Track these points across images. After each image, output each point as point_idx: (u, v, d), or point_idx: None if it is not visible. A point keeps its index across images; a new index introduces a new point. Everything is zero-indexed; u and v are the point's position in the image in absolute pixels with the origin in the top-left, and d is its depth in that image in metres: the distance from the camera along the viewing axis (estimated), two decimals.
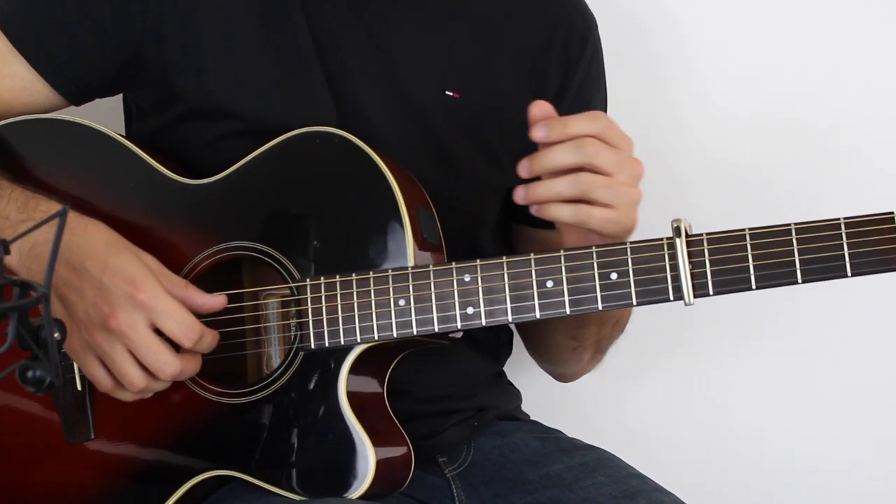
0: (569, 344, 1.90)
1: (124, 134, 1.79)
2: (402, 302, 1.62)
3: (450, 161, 1.80)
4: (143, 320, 1.58)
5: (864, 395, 2.30)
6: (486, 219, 1.86)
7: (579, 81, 1.87)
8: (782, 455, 2.32)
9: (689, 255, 1.56)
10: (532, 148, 1.83)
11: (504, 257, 1.61)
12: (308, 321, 1.64)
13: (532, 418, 1.98)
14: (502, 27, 1.85)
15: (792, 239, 1.54)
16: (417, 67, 1.79)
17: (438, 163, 1.79)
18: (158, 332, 1.59)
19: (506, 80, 1.84)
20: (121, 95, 1.90)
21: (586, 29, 1.90)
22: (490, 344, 1.92)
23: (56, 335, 1.16)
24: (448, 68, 1.81)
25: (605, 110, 1.93)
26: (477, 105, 1.82)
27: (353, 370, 1.64)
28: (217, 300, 1.64)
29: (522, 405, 2.00)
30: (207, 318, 1.66)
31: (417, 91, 1.79)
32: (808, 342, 2.30)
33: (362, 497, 1.62)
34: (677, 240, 1.56)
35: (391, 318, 1.62)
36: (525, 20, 1.85)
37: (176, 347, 1.61)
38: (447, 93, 1.80)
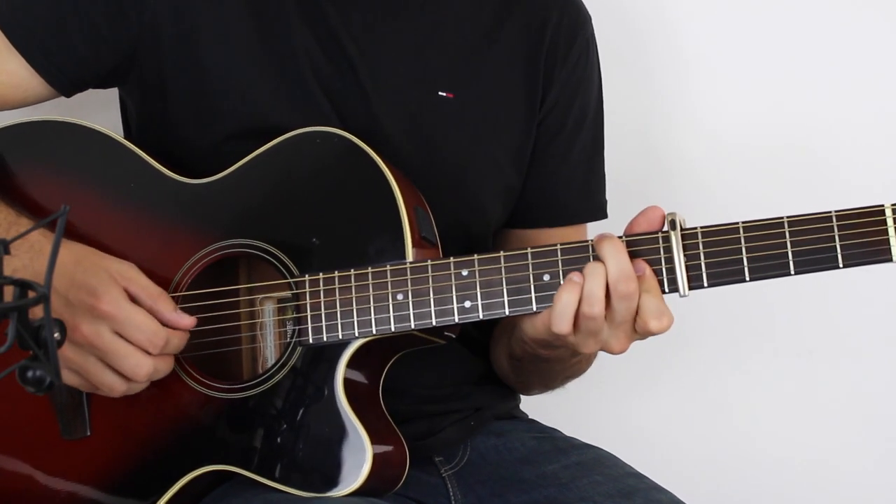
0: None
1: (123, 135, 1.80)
2: (399, 297, 1.63)
3: (444, 161, 1.81)
4: (107, 329, 1.59)
5: (863, 395, 2.32)
6: (481, 219, 1.86)
7: (564, 79, 1.88)
8: (780, 453, 2.33)
9: (684, 247, 1.58)
10: (525, 146, 1.85)
11: (501, 252, 1.63)
12: (306, 316, 1.64)
13: (530, 417, 1.98)
14: (494, 27, 1.86)
15: (785, 231, 1.57)
16: (410, 69, 1.80)
17: (433, 163, 1.79)
18: None
19: (499, 79, 1.85)
20: (117, 98, 1.91)
21: (576, 26, 1.90)
22: (487, 344, 1.91)
23: (56, 335, 1.16)
24: (441, 69, 1.82)
25: (591, 106, 1.92)
26: (471, 105, 1.83)
27: (351, 365, 1.65)
28: (186, 321, 1.63)
29: (521, 404, 1.99)
30: (205, 315, 1.67)
31: (411, 92, 1.80)
32: (807, 342, 2.32)
33: (356, 492, 1.62)
34: (672, 233, 1.58)
35: (389, 313, 1.63)
36: (517, 19, 1.86)
37: None
38: (441, 93, 1.81)
